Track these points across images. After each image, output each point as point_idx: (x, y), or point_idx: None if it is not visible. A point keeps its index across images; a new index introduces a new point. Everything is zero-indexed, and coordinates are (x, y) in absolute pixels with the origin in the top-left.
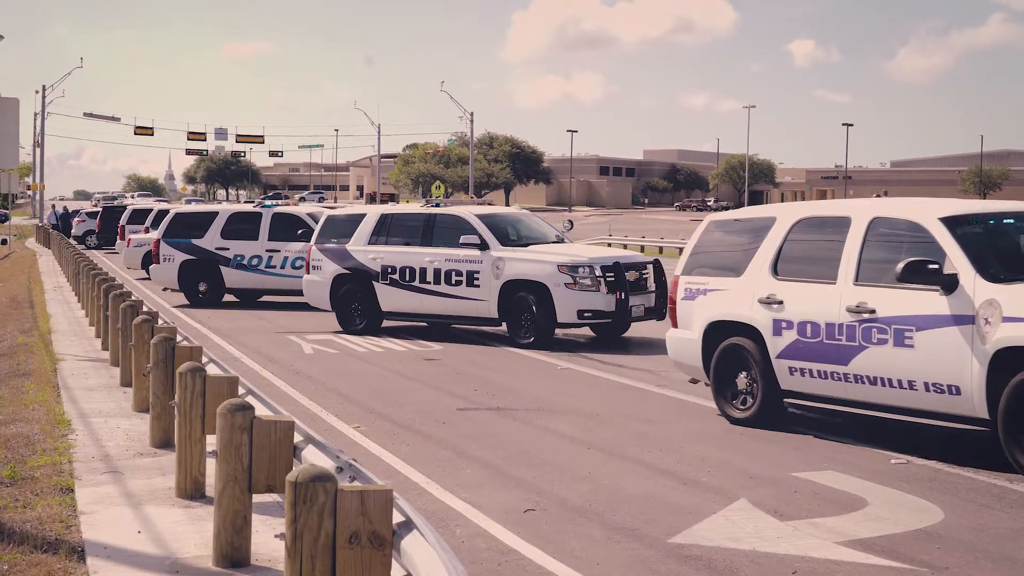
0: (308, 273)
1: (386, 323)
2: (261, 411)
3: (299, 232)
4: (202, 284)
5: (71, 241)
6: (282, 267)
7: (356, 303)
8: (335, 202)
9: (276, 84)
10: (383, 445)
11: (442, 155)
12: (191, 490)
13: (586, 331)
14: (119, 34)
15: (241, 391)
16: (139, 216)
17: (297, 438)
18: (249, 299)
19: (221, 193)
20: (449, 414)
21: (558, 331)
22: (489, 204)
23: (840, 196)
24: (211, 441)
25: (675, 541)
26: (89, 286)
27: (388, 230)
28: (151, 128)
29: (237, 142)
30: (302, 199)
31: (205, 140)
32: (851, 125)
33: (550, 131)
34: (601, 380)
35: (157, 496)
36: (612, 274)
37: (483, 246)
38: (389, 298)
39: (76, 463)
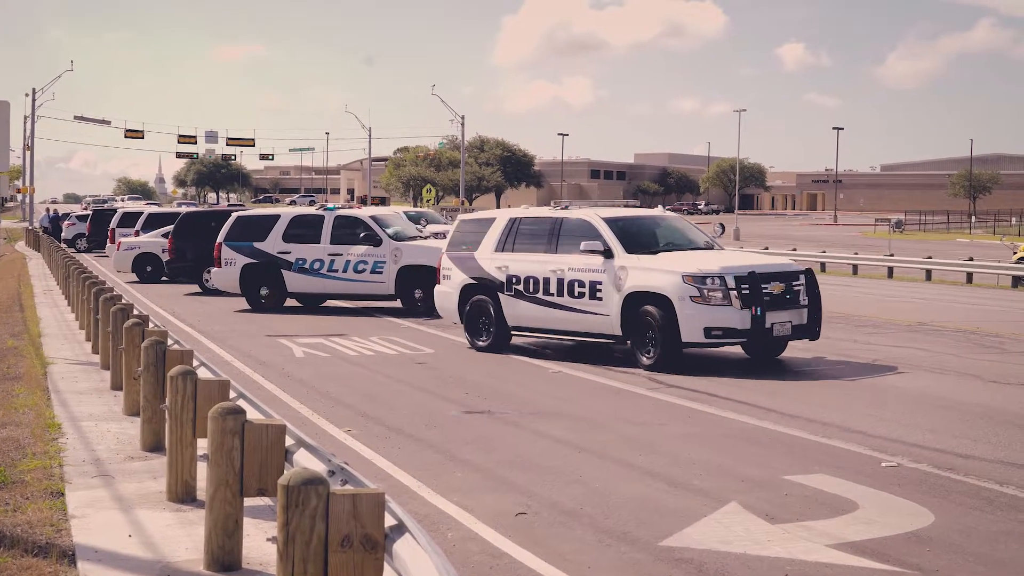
0: (440, 283)
1: (375, 323)
2: (252, 415)
3: (361, 235)
4: (264, 288)
5: (61, 244)
6: (344, 271)
7: (484, 316)
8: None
9: (267, 87)
10: (375, 449)
11: (433, 158)
12: (182, 494)
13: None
14: (110, 37)
15: (232, 395)
16: (130, 219)
17: (288, 442)
18: (312, 304)
19: (212, 196)
20: (441, 418)
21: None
22: (633, 205)
23: (831, 199)
24: (202, 445)
25: (666, 544)
26: (79, 289)
27: (515, 236)
28: (141, 131)
29: (227, 145)
30: (292, 203)
31: (195, 143)
32: (841, 129)
33: (540, 135)
34: (592, 383)
35: (148, 500)
36: (747, 286)
37: (607, 253)
38: (514, 311)
39: (66, 467)
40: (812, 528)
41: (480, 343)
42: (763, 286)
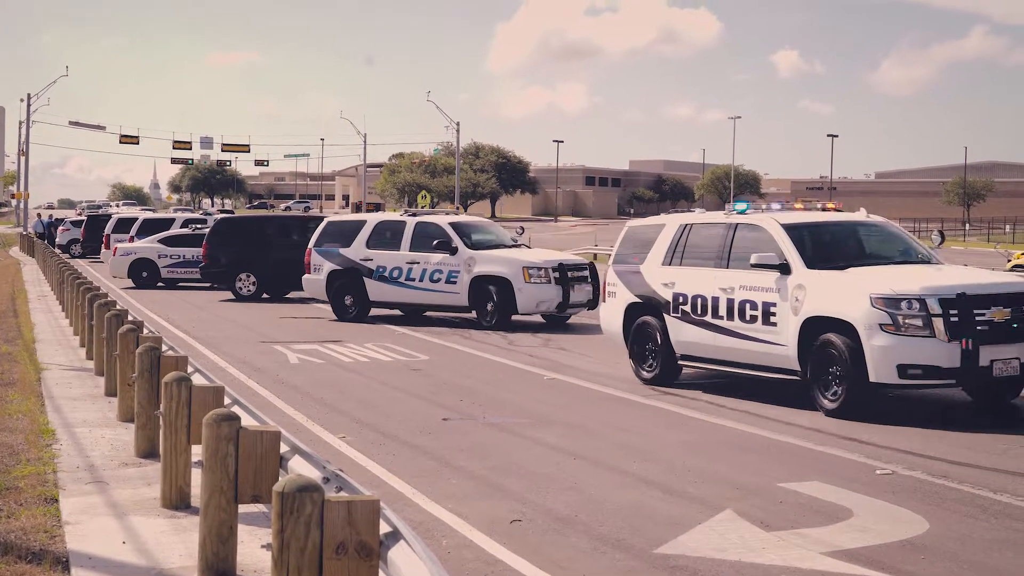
0: (604, 300)
1: (370, 330)
2: (247, 421)
3: (436, 243)
4: (348, 297)
5: (55, 250)
6: (420, 280)
7: (649, 342)
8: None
9: (262, 93)
10: (369, 455)
11: (428, 165)
12: (176, 500)
13: (569, 338)
14: (105, 43)
15: (227, 401)
16: (125, 225)
17: (283, 448)
18: (415, 316)
19: (207, 202)
20: (435, 424)
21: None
22: (819, 208)
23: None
24: (197, 451)
25: (661, 551)
26: (74, 295)
27: (685, 246)
28: (136, 137)
29: (223, 151)
30: (287, 208)
31: (191, 149)
32: (836, 136)
33: (535, 141)
34: (587, 390)
35: (142, 506)
36: (955, 312)
37: (783, 268)
38: (681, 336)
39: (61, 473)
40: (807, 536)
41: (645, 373)
42: (978, 312)
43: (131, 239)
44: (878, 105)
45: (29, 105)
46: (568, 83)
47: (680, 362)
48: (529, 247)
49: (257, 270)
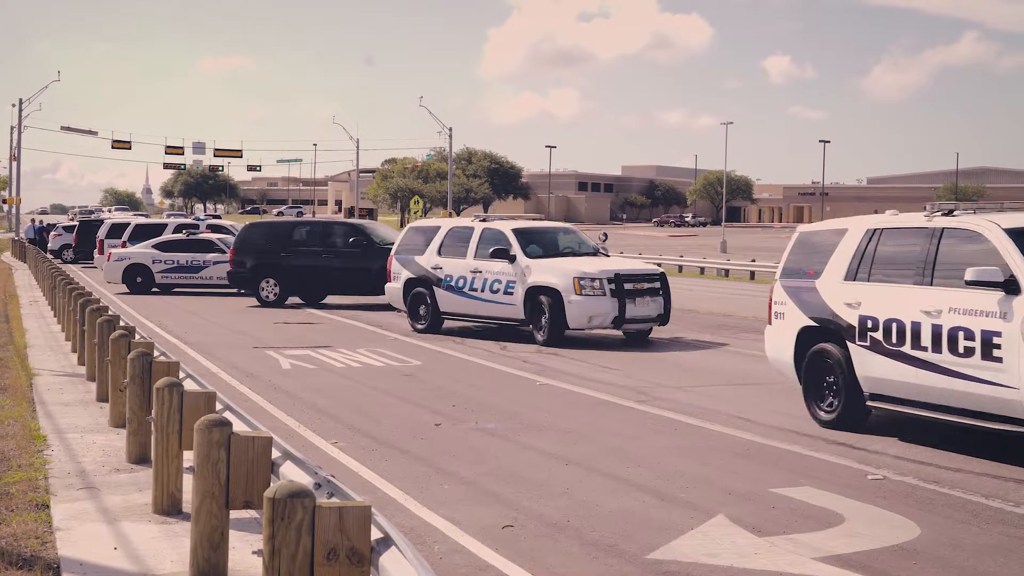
0: (770, 323)
1: (363, 335)
2: (239, 427)
3: (494, 250)
4: (422, 307)
5: (48, 255)
6: (482, 290)
7: (829, 375)
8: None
9: (254, 99)
10: (361, 461)
11: (421, 170)
12: (168, 506)
13: (563, 343)
14: (97, 48)
15: (219, 406)
16: (119, 230)
17: (275, 454)
18: (502, 329)
19: (198, 207)
20: (428, 430)
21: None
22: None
23: (817, 212)
24: (188, 457)
25: (653, 557)
26: (66, 300)
27: (874, 257)
28: (129, 142)
29: (215, 156)
30: (280, 213)
31: (183, 154)
32: (828, 142)
33: (528, 147)
34: (580, 396)
35: (134, 512)
36: None
37: (1010, 287)
38: (871, 371)
39: (52, 479)
40: (799, 541)
41: (822, 414)
42: None
43: (123, 244)
44: (870, 110)
45: (21, 110)
46: (560, 89)
47: (869, 403)
48: (607, 254)
49: (280, 276)
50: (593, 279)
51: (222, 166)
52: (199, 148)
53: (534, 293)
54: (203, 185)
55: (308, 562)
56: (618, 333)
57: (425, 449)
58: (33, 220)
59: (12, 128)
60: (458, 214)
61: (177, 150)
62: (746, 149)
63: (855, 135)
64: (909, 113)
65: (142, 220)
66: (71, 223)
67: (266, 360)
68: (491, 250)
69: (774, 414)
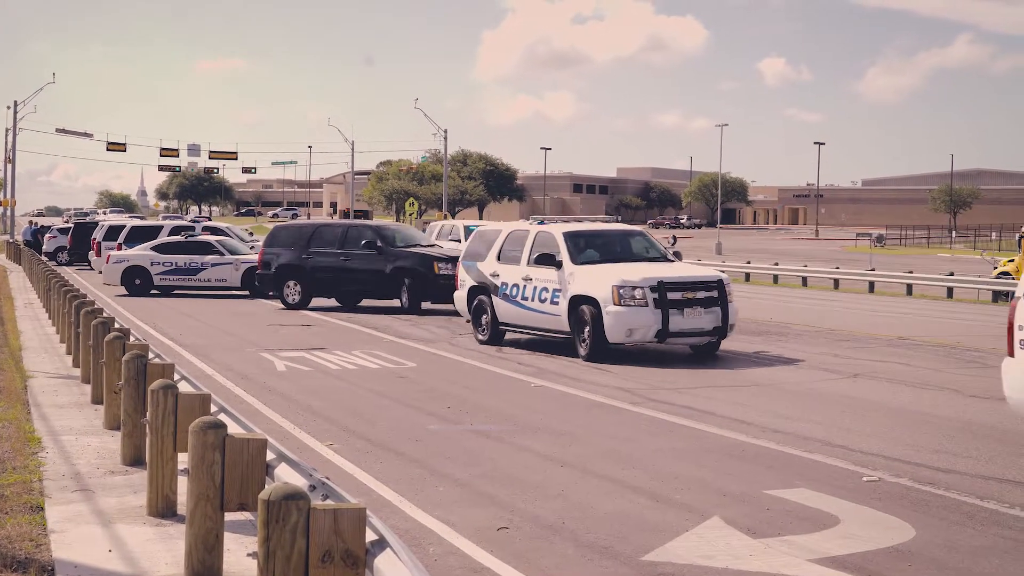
0: (1011, 353)
1: (358, 337)
2: (233, 429)
3: (538, 255)
4: (483, 316)
5: (42, 258)
6: (532, 299)
7: None
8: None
9: (249, 101)
10: (356, 463)
11: (416, 172)
12: (162, 508)
13: (557, 344)
14: (92, 50)
15: (213, 409)
16: (117, 232)
17: (270, 456)
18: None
19: (194, 209)
20: (422, 432)
21: (519, 336)
22: None
23: (812, 214)
24: (183, 459)
25: (648, 559)
26: (60, 303)
27: None
28: (123, 144)
29: (210, 158)
30: (275, 215)
31: (178, 156)
32: (823, 144)
33: (523, 149)
34: (574, 398)
35: (128, 514)
36: None
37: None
38: None
39: (46, 481)
40: (794, 543)
41: None
42: None
43: (119, 247)
44: (865, 113)
45: (16, 112)
46: (555, 91)
47: None
48: (670, 260)
49: (303, 278)
50: (634, 288)
51: (217, 168)
52: (194, 150)
53: (576, 303)
54: (198, 187)
55: (303, 564)
56: (683, 347)
57: (420, 451)
58: (29, 222)
59: (7, 130)
60: (453, 216)
61: (172, 152)
62: (741, 151)
63: (850, 137)
64: (904, 115)
65: (138, 222)
66: (66, 225)
67: (261, 362)
68: (536, 255)
69: (769, 415)
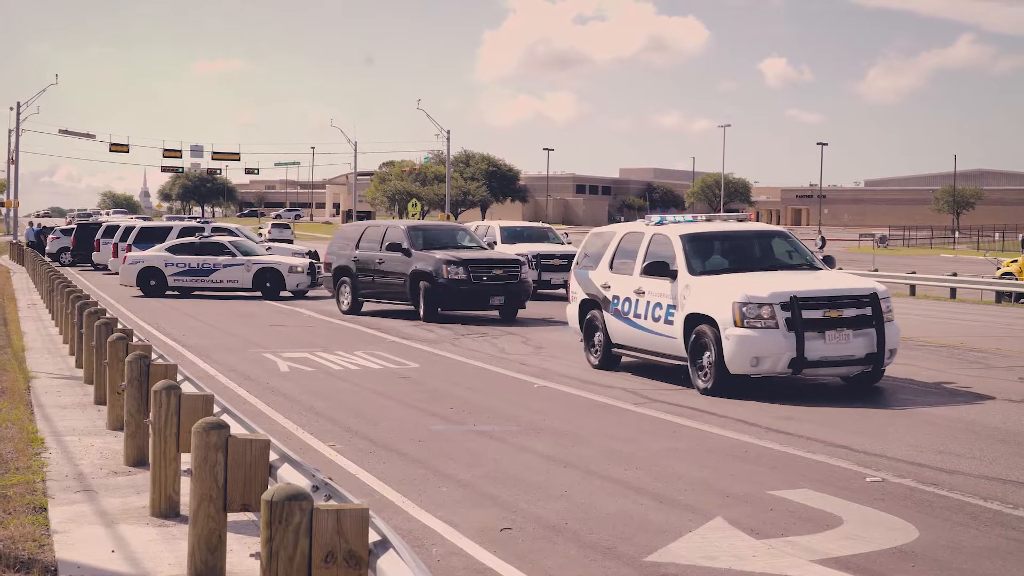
0: None
1: (361, 337)
2: (236, 429)
3: (646, 264)
4: (596, 335)
5: (45, 258)
6: (645, 316)
7: None
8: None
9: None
10: (359, 464)
11: (418, 173)
12: (165, 509)
13: (560, 346)
14: (95, 51)
15: (216, 409)
16: (151, 235)
17: (272, 457)
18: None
19: (197, 210)
20: (425, 432)
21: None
22: None
23: (815, 214)
24: (186, 460)
25: (651, 559)
26: (63, 303)
27: None
28: (126, 145)
29: (213, 159)
30: (277, 216)
31: (181, 157)
32: (825, 144)
33: (525, 150)
34: (577, 398)
35: (131, 515)
36: None
37: None
38: None
39: (49, 482)
40: (797, 543)
41: None
42: None
43: (128, 248)
44: (867, 113)
45: (19, 113)
46: (557, 91)
47: None
48: (817, 267)
49: (353, 281)
50: (760, 304)
51: (220, 169)
52: (197, 151)
53: (693, 323)
54: (201, 188)
55: (306, 565)
56: (832, 378)
57: (423, 452)
58: (31, 223)
59: (10, 131)
60: (456, 217)
61: (175, 153)
62: (743, 152)
63: (852, 138)
64: (906, 116)
65: (147, 224)
66: (69, 226)
67: (264, 363)
68: (649, 263)
69: (771, 416)
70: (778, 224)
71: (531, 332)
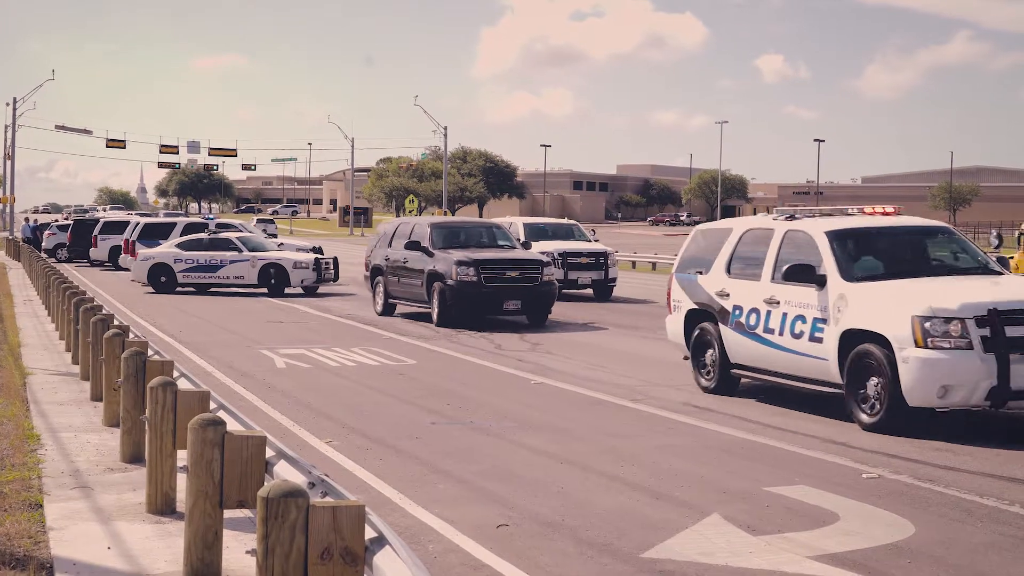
0: None
1: (358, 334)
2: (233, 426)
3: (785, 268)
4: (708, 352)
5: (42, 254)
6: (781, 333)
7: None
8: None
9: (248, 98)
10: (356, 460)
11: (416, 169)
12: (162, 506)
13: (557, 342)
14: (91, 47)
15: (212, 406)
16: (150, 231)
17: (269, 453)
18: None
19: (193, 206)
20: (422, 429)
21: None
22: None
23: None
24: (182, 456)
25: (648, 556)
26: (60, 299)
27: None
28: (123, 141)
29: (210, 155)
30: (275, 212)
31: (177, 153)
32: (823, 141)
33: (522, 146)
34: (574, 395)
35: (127, 512)
36: None
37: None
38: None
39: (45, 478)
40: (793, 540)
41: None
42: None
43: (132, 244)
44: (864, 110)
45: (15, 109)
46: (554, 88)
47: None
48: (996, 271)
49: (385, 281)
50: (949, 319)
51: (217, 165)
52: (194, 147)
53: (852, 341)
54: (198, 184)
55: (302, 562)
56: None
57: (420, 448)
58: (27, 219)
59: (7, 127)
60: (453, 213)
61: (172, 149)
62: (741, 148)
63: (849, 134)
64: (903, 113)
65: (151, 220)
66: (65, 222)
67: (260, 359)
68: (786, 267)
69: (768, 412)
70: None
71: (530, 330)
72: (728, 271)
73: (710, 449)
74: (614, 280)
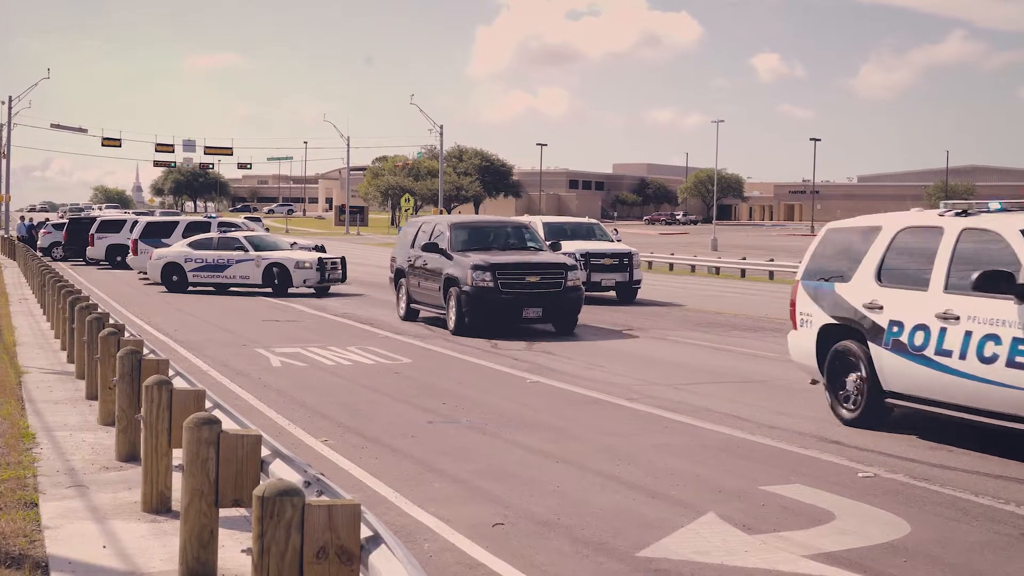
0: None
1: (353, 333)
2: (228, 425)
3: (975, 277)
4: (852, 376)
5: (37, 253)
6: (961, 355)
7: None
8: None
9: (244, 97)
10: (351, 459)
11: (411, 168)
12: (157, 504)
13: (559, 341)
14: (87, 45)
15: (208, 404)
16: (156, 229)
17: (264, 452)
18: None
19: (189, 205)
20: (418, 428)
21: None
22: None
23: (808, 210)
24: (177, 455)
25: (643, 555)
26: (55, 298)
27: None
28: (119, 140)
29: (205, 154)
30: (270, 211)
31: (173, 152)
32: (818, 140)
33: (518, 145)
34: (570, 393)
35: (123, 510)
36: None
37: None
38: None
39: (41, 477)
40: (789, 539)
41: None
42: None
43: (134, 243)
44: (859, 109)
45: (10, 108)
46: (549, 87)
47: None
48: None
49: (407, 284)
50: None
51: (212, 164)
52: (189, 146)
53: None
54: (193, 183)
55: (297, 560)
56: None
57: (415, 447)
58: (22, 218)
59: (2, 126)
60: (449, 212)
61: (167, 148)
62: (736, 147)
63: (845, 133)
64: (899, 112)
65: (155, 218)
66: (60, 221)
67: (256, 358)
68: (977, 276)
69: (764, 411)
70: (772, 220)
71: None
72: (879, 278)
73: (706, 448)
74: (639, 282)
